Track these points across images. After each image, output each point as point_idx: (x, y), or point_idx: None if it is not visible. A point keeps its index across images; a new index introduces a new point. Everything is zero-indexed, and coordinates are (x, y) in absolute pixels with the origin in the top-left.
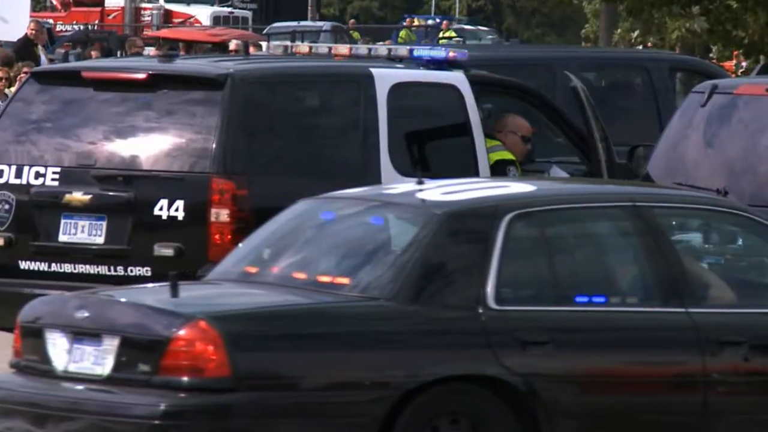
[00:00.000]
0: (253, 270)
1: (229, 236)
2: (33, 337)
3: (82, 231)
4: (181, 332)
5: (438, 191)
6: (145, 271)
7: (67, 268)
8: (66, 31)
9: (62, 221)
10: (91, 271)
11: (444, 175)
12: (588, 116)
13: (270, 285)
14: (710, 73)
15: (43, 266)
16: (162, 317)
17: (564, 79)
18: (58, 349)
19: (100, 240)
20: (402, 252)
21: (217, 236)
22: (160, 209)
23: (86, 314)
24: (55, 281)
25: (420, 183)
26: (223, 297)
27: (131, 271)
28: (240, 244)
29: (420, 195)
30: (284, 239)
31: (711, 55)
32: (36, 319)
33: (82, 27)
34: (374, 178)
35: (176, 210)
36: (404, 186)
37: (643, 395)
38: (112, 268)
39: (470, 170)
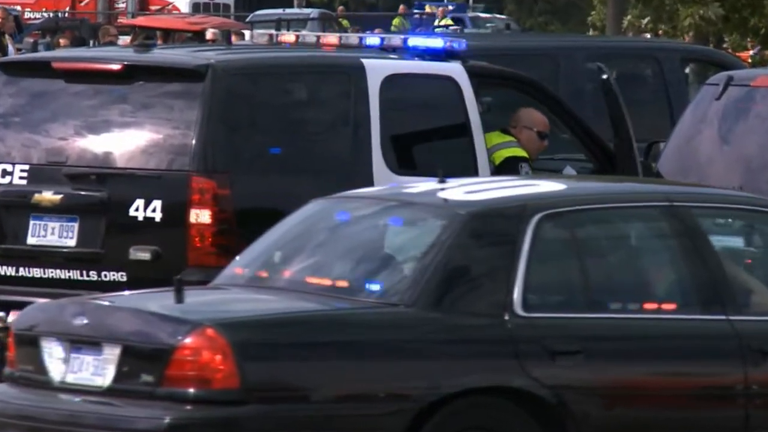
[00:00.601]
0: (264, 274)
1: (210, 239)
2: (28, 346)
3: (53, 233)
4: (187, 340)
5: (461, 190)
6: (120, 275)
7: (36, 272)
8: (35, 18)
9: (31, 222)
10: (62, 276)
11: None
12: (622, 112)
13: (281, 290)
14: (725, 64)
15: (10, 270)
16: (166, 324)
17: (567, 71)
18: (55, 358)
19: (72, 243)
20: (423, 255)
21: (197, 239)
22: (136, 210)
23: (85, 321)
24: (23, 287)
25: (441, 181)
26: (232, 303)
27: (105, 275)
28: (249, 247)
29: (442, 194)
30: (296, 241)
31: (725, 44)
32: (31, 327)
33: (51, 14)
34: (365, 176)
35: (153, 211)
36: (425, 185)
37: (680, 408)
38: (84, 272)
39: (469, 167)
